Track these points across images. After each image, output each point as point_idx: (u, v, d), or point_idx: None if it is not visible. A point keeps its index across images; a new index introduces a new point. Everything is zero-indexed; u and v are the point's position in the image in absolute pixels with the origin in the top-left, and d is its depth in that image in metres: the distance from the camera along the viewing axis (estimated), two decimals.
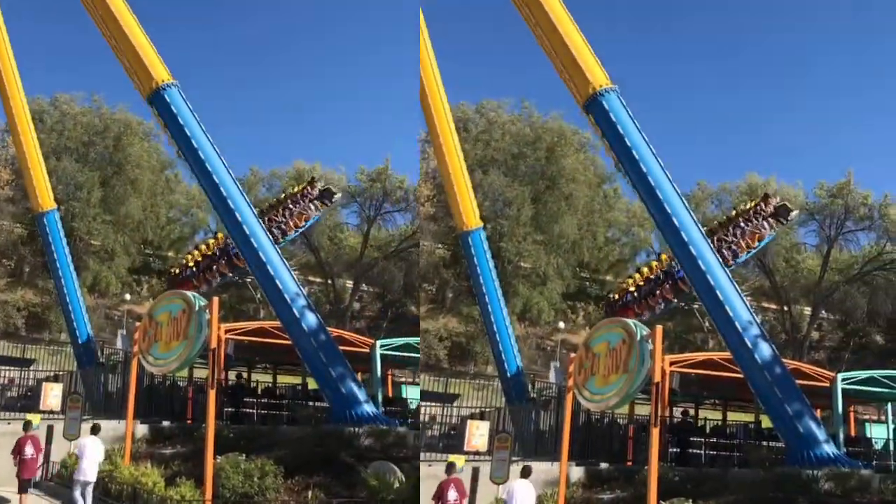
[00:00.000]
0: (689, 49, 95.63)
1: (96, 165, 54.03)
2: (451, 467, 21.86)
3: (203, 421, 25.36)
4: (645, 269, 46.34)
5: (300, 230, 50.10)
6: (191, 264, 43.88)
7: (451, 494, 21.13)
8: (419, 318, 49.58)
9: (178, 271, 51.04)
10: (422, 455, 27.46)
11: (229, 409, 31.51)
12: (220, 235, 40.96)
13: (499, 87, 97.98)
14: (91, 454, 23.74)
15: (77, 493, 23.50)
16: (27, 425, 25.02)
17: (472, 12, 71.94)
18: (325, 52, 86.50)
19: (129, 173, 54.16)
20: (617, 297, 47.89)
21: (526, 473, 21.99)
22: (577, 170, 53.93)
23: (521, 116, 55.87)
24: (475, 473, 25.63)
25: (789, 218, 48.09)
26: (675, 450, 30.71)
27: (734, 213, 49.19)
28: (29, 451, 24.08)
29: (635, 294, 45.80)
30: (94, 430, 24.73)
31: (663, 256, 40.75)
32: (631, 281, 47.58)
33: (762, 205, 48.15)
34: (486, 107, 55.82)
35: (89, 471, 23.64)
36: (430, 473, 24.77)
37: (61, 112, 54.73)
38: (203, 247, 50.62)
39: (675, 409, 34.49)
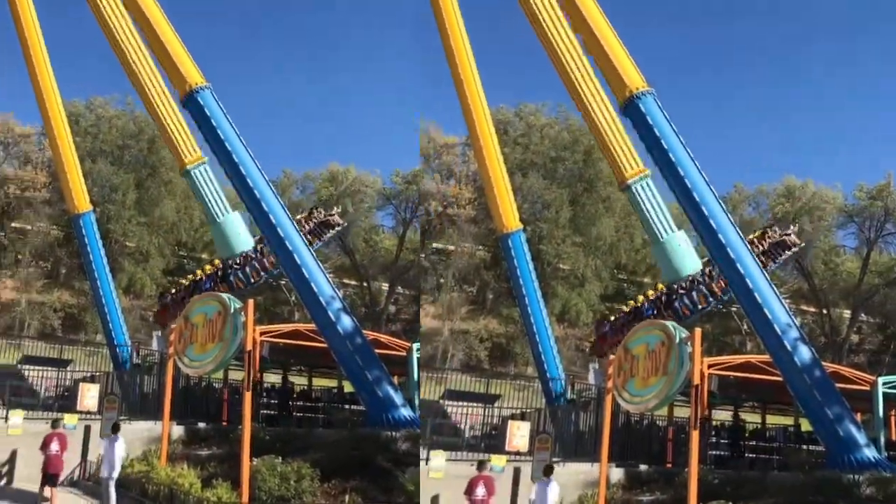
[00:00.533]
0: (727, 49, 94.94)
1: (131, 168, 54.33)
2: (481, 465, 23.10)
3: (239, 423, 25.35)
4: (640, 297, 43.06)
5: None
6: (172, 291, 42.33)
7: (480, 491, 22.10)
8: None
9: (161, 293, 47.28)
10: (466, 454, 27.78)
11: (273, 413, 31.55)
12: (216, 262, 40.34)
13: (537, 90, 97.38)
14: (112, 452, 24.74)
15: (111, 488, 24.51)
16: (55, 423, 26.10)
17: (512, 15, 71.60)
18: (360, 54, 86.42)
19: (164, 175, 54.39)
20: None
21: (548, 472, 22.96)
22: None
23: (559, 120, 55.83)
24: (516, 474, 25.67)
25: (787, 252, 43.56)
26: (724, 453, 30.64)
27: None
28: (54, 447, 24.97)
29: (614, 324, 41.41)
30: (115, 429, 25.59)
31: (660, 286, 39.02)
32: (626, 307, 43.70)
33: (756, 241, 42.50)
34: (524, 110, 55.81)
35: (111, 467, 24.64)
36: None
37: (97, 115, 55.07)
38: (194, 275, 46.00)
39: (716, 411, 34.26)
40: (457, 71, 37.13)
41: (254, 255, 38.36)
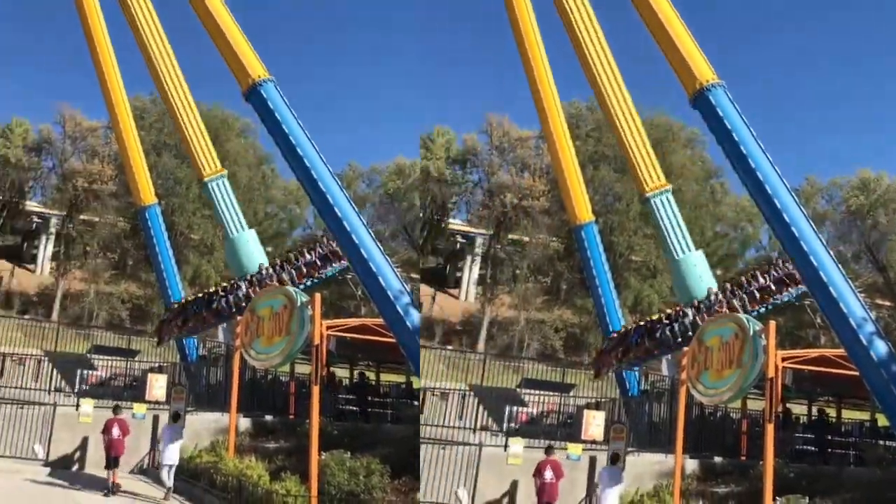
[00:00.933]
0: (801, 43, 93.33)
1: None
2: (549, 450, 24.74)
3: (306, 416, 25.31)
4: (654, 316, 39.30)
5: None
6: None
7: (548, 474, 23.95)
8: None
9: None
10: (540, 441, 27.96)
11: (346, 408, 31.35)
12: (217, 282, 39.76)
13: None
14: (170, 439, 26.03)
15: (163, 474, 25.77)
16: (116, 409, 27.41)
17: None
18: (427, 48, 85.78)
19: (227, 169, 54.49)
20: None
21: (615, 460, 24.08)
22: (685, 165, 53.79)
23: None
24: (592, 462, 25.77)
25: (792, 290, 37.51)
26: (808, 448, 30.10)
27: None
28: (115, 431, 26.35)
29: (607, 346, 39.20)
30: (175, 418, 26.95)
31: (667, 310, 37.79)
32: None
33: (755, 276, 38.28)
34: (595, 104, 55.21)
35: (170, 454, 25.83)
36: None
37: (161, 110, 55.41)
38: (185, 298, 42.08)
39: (790, 405, 33.69)
40: (529, 66, 36.99)
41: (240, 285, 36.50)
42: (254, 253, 37.24)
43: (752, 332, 24.40)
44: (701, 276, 34.39)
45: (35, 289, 53.92)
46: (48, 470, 28.08)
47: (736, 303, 33.11)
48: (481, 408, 32.47)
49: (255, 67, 31.19)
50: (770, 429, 23.33)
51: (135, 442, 27.77)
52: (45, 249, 58.07)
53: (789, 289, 34.50)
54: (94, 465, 27.83)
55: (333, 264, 35.91)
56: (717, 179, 56.98)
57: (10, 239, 57.35)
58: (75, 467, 28.90)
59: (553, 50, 37.53)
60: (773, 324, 24.16)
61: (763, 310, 33.99)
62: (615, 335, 36.77)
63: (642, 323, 35.98)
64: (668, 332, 33.65)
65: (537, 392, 35.22)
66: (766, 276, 34.73)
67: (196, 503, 25.50)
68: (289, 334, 26.52)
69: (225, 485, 25.05)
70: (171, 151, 53.88)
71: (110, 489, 25.92)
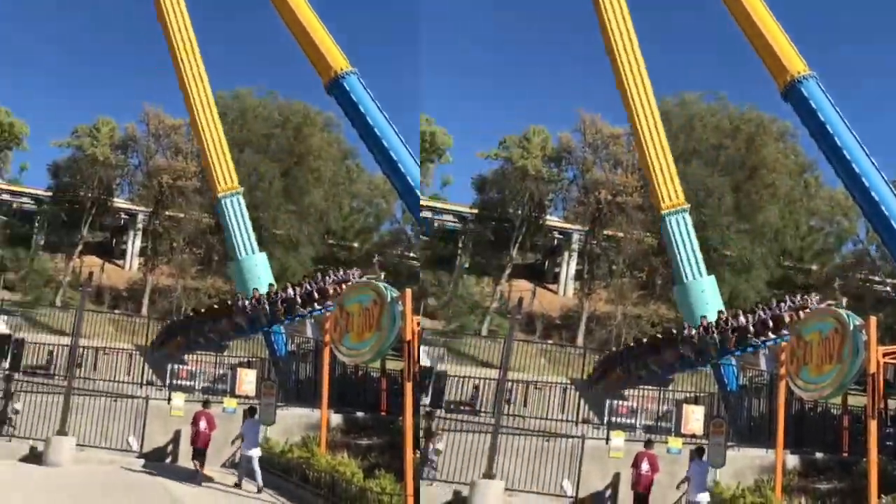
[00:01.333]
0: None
1: (277, 156, 54.75)
2: (648, 443, 25.54)
3: (399, 413, 25.15)
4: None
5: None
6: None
7: (644, 466, 24.68)
8: None
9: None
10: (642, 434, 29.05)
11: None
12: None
13: (693, 79, 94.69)
14: (249, 433, 26.57)
15: (252, 466, 26.19)
16: (205, 403, 28.14)
17: (669, 6, 70.06)
18: (522, 48, 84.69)
19: (311, 163, 54.68)
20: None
21: (700, 453, 24.52)
22: (778, 159, 53.01)
23: (719, 107, 55.03)
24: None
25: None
26: None
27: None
28: (202, 424, 27.10)
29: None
30: (252, 412, 27.40)
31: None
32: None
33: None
34: (686, 99, 55.03)
35: (250, 447, 26.36)
36: None
37: (242, 105, 55.83)
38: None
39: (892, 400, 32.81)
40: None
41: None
42: (262, 277, 37.56)
43: (851, 328, 23.96)
44: (706, 303, 34.50)
45: (124, 284, 54.60)
46: (142, 461, 28.53)
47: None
48: (582, 401, 32.89)
49: (338, 60, 31.23)
50: (873, 425, 22.99)
51: (225, 436, 27.93)
52: (133, 245, 58.92)
53: (770, 334, 33.09)
54: (186, 457, 28.15)
55: (316, 304, 35.02)
56: (810, 173, 56.07)
57: (99, 235, 58.16)
58: (168, 459, 29.25)
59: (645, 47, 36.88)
60: (873, 319, 23.73)
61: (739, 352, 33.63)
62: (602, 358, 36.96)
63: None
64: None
65: (636, 385, 35.19)
66: (748, 316, 33.54)
67: (289, 498, 25.56)
68: (379, 330, 26.38)
69: (318, 481, 25.09)
70: (253, 147, 54.14)
71: (200, 480, 26.50)
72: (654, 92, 36.34)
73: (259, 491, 25.88)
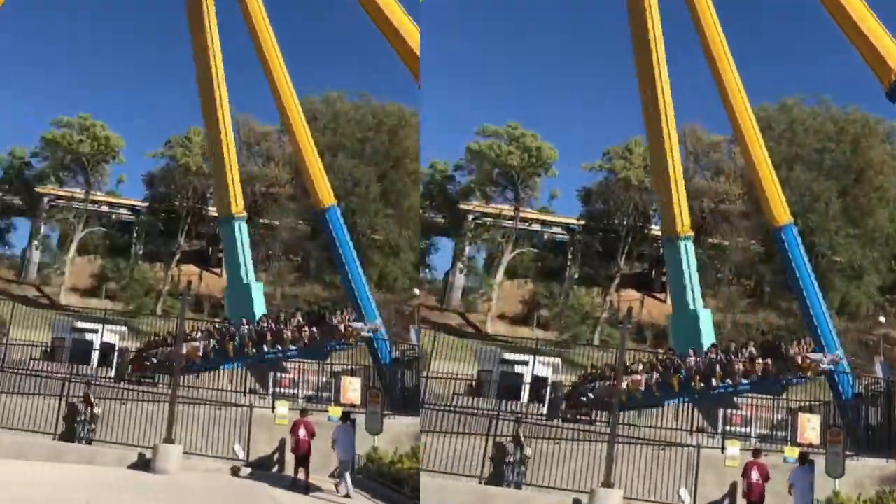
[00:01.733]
0: None
1: (372, 160, 54.38)
2: (757, 453, 26.13)
3: None
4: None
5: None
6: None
7: (754, 475, 25.17)
8: None
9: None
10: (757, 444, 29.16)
11: None
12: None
13: (790, 84, 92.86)
14: (343, 439, 26.51)
15: (345, 475, 26.12)
16: (303, 412, 28.27)
17: (762, 10, 68.56)
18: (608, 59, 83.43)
19: (408, 167, 53.49)
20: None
21: (803, 460, 25.18)
22: (885, 161, 52.34)
23: (821, 111, 54.12)
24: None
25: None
26: None
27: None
28: (301, 432, 27.22)
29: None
30: (345, 418, 27.51)
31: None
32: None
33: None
34: (787, 105, 54.21)
35: (344, 453, 26.38)
36: None
37: (333, 110, 55.57)
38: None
39: None
40: (718, 72, 36.24)
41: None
42: (257, 306, 38.46)
43: None
44: (697, 335, 35.23)
45: (222, 292, 54.81)
46: (248, 469, 28.56)
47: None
48: (695, 410, 32.57)
49: None
50: None
51: (330, 446, 27.32)
52: None
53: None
54: (291, 466, 28.09)
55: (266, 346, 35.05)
56: None
57: (196, 244, 58.54)
58: (275, 468, 29.38)
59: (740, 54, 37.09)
60: None
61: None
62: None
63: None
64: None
65: (748, 395, 34.52)
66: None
67: None
68: None
69: None
70: (348, 151, 53.82)
71: (305, 488, 26.41)
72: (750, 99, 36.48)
73: (348, 496, 25.84)
